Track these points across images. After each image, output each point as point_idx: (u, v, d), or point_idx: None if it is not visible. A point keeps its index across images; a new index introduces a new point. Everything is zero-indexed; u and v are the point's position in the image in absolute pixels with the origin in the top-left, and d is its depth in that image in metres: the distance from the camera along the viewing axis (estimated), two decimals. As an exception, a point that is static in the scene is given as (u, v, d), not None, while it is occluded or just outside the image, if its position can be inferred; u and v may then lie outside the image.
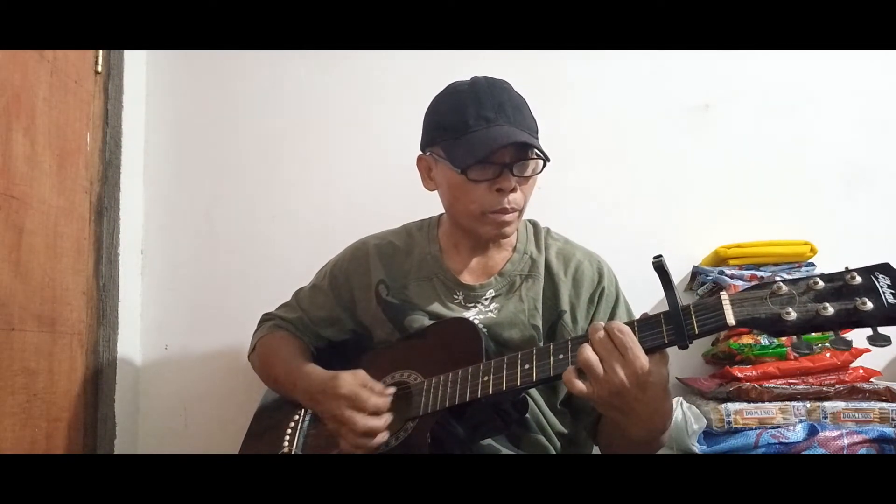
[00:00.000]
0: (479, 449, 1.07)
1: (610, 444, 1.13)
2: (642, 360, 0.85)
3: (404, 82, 1.74)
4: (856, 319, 0.76)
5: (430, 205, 1.32)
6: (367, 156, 1.73)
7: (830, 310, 0.77)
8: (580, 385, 0.88)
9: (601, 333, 0.88)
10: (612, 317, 1.20)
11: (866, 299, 0.76)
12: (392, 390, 1.06)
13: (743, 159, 1.67)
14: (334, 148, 1.74)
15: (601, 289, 1.20)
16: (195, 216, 1.74)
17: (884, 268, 0.78)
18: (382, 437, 1.02)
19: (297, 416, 1.20)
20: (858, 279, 0.78)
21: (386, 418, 1.03)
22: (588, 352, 0.87)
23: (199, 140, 1.76)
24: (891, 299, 0.75)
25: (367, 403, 1.02)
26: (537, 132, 1.16)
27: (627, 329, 0.87)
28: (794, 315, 0.79)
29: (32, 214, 1.33)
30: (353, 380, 1.06)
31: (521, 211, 1.16)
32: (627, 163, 1.69)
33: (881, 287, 0.76)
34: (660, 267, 0.87)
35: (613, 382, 0.85)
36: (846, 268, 0.79)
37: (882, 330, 0.76)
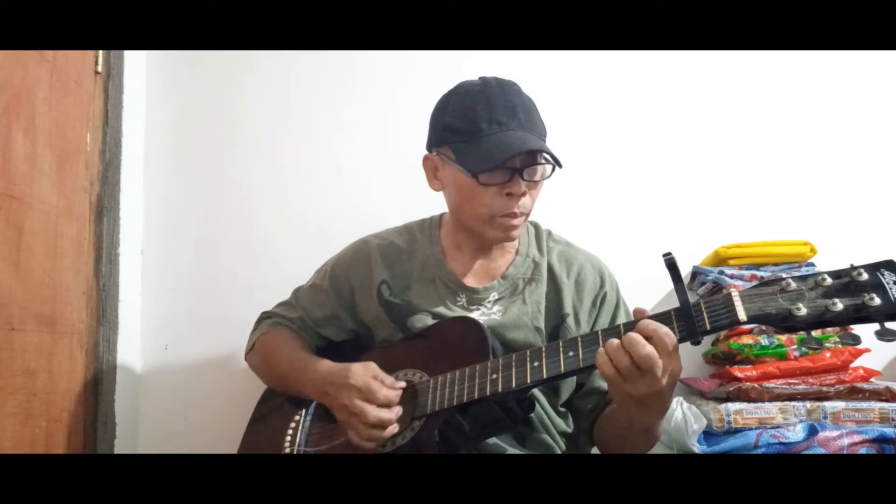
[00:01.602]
0: (485, 448, 1.07)
1: (614, 438, 1.13)
2: (679, 360, 0.87)
3: (404, 82, 1.74)
4: (864, 315, 0.78)
5: (430, 205, 1.32)
6: (367, 155, 1.73)
7: (839, 305, 0.79)
8: (612, 370, 0.86)
9: (645, 344, 0.85)
10: (613, 321, 1.21)
11: (874, 295, 0.77)
12: (402, 384, 1.06)
13: (743, 159, 1.68)
14: (334, 148, 1.74)
15: (603, 293, 1.21)
16: (195, 216, 1.74)
17: (889, 264, 0.80)
18: (393, 429, 1.02)
19: (297, 417, 1.20)
20: (865, 276, 0.79)
21: (396, 410, 1.03)
22: (625, 361, 0.85)
23: (199, 140, 1.76)
24: None
25: (379, 395, 1.02)
26: (545, 135, 1.15)
27: (668, 330, 0.85)
28: (804, 311, 0.80)
29: (32, 214, 1.33)
30: (364, 371, 1.06)
31: (527, 214, 1.16)
32: (628, 163, 1.69)
33: (887, 283, 0.78)
34: (671, 264, 0.87)
35: (655, 386, 0.85)
36: (851, 265, 0.81)
37: (889, 325, 0.77)
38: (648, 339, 0.85)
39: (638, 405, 0.90)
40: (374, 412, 1.01)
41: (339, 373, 1.08)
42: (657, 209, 1.67)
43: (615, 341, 0.86)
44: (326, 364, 1.15)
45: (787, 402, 1.32)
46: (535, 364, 0.96)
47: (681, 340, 0.86)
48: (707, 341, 1.56)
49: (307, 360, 1.19)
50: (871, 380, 1.37)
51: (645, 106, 1.71)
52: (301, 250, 1.66)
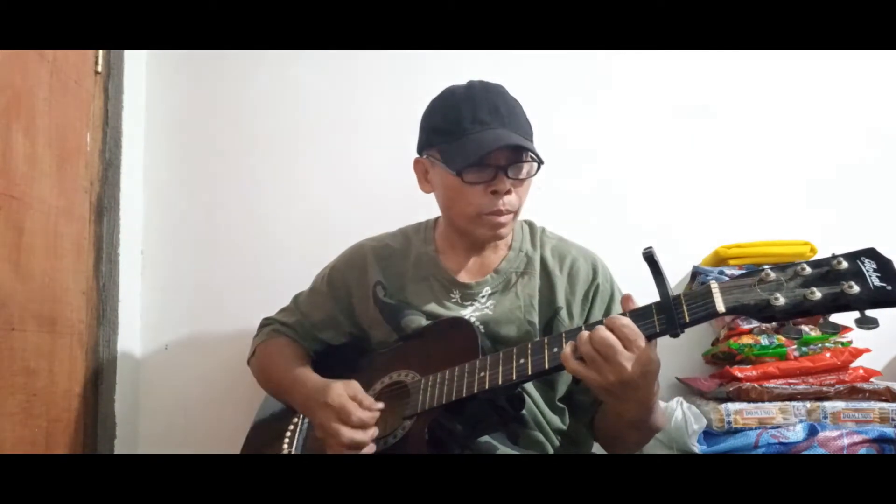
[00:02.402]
0: (477, 446, 1.08)
1: (608, 432, 1.14)
2: (654, 352, 0.88)
3: (403, 83, 1.74)
4: (843, 303, 0.78)
5: (430, 206, 1.32)
6: (368, 156, 1.73)
7: (818, 294, 0.78)
8: (575, 364, 0.89)
9: (604, 329, 0.88)
10: (608, 312, 1.21)
11: (853, 283, 0.77)
12: (380, 405, 1.07)
13: (743, 159, 1.67)
14: (334, 148, 1.74)
15: (596, 285, 1.21)
16: (195, 216, 1.74)
17: (869, 253, 0.80)
18: (368, 450, 1.02)
19: (296, 419, 1.21)
20: (845, 264, 0.79)
21: (371, 432, 1.03)
22: (587, 347, 0.88)
23: (199, 140, 1.76)
24: (877, 282, 0.76)
25: (353, 416, 1.03)
26: (532, 135, 1.17)
27: (629, 321, 0.88)
28: (782, 300, 0.80)
29: (32, 214, 1.33)
30: (343, 391, 1.07)
31: (516, 212, 1.18)
32: (627, 163, 1.69)
33: (867, 271, 0.78)
34: (650, 258, 0.88)
35: (621, 374, 0.86)
36: (833, 254, 0.81)
37: (869, 313, 0.77)
38: (610, 329, 0.88)
39: (610, 395, 0.91)
40: (348, 434, 1.02)
41: (320, 390, 1.09)
42: (657, 209, 1.67)
43: (585, 333, 0.89)
44: (311, 379, 1.16)
45: (787, 402, 1.31)
46: (521, 361, 0.97)
47: (661, 333, 0.88)
48: (707, 341, 1.56)
49: (298, 372, 1.20)
50: (871, 380, 1.37)
51: (645, 106, 1.71)
52: (301, 250, 1.66)
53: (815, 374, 1.35)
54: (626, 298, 0.94)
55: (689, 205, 1.67)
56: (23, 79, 1.32)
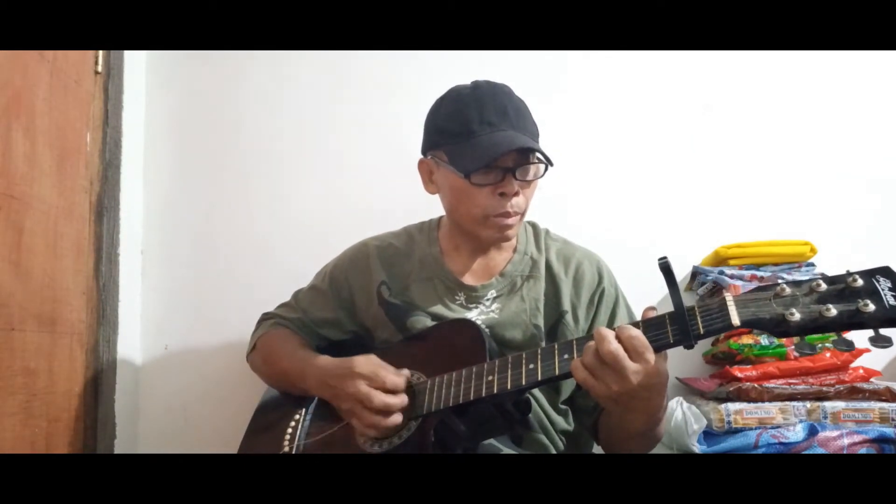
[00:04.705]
0: (481, 448, 1.08)
1: (611, 439, 1.14)
2: (662, 364, 0.88)
3: (405, 83, 1.74)
4: (858, 321, 0.77)
5: (431, 206, 1.32)
6: (368, 156, 1.73)
7: (833, 311, 0.78)
8: (584, 374, 0.88)
9: (612, 341, 0.86)
10: (612, 316, 1.21)
11: (868, 301, 0.76)
12: (408, 372, 1.07)
13: (743, 159, 1.67)
14: (334, 148, 1.74)
15: (602, 289, 1.21)
16: (195, 216, 1.74)
17: (885, 271, 0.79)
18: (396, 418, 1.02)
19: (297, 416, 1.20)
20: (860, 282, 0.78)
21: (402, 398, 1.03)
22: (592, 357, 0.87)
23: (200, 140, 1.76)
24: (892, 301, 0.76)
25: (386, 380, 1.03)
26: (538, 136, 1.17)
27: (639, 332, 0.87)
28: (797, 316, 0.79)
29: (32, 214, 1.33)
30: (369, 360, 1.07)
31: (522, 214, 1.17)
32: (627, 163, 1.69)
33: (882, 290, 0.77)
34: (666, 268, 0.87)
35: (625, 385, 0.85)
36: (847, 271, 0.80)
37: (883, 331, 0.76)
38: (618, 339, 0.86)
39: (615, 405, 0.90)
40: (381, 397, 1.02)
41: (343, 364, 1.09)
42: (658, 209, 1.67)
43: (592, 343, 0.88)
44: (326, 359, 1.16)
45: (787, 402, 1.31)
46: (531, 366, 0.96)
47: (675, 344, 0.87)
48: (707, 341, 1.56)
49: (307, 356, 1.20)
50: (871, 380, 1.37)
51: (646, 106, 1.70)
52: (301, 250, 1.66)
53: (815, 374, 1.35)
54: (648, 310, 0.92)
55: (689, 205, 1.67)
56: (23, 79, 1.32)
